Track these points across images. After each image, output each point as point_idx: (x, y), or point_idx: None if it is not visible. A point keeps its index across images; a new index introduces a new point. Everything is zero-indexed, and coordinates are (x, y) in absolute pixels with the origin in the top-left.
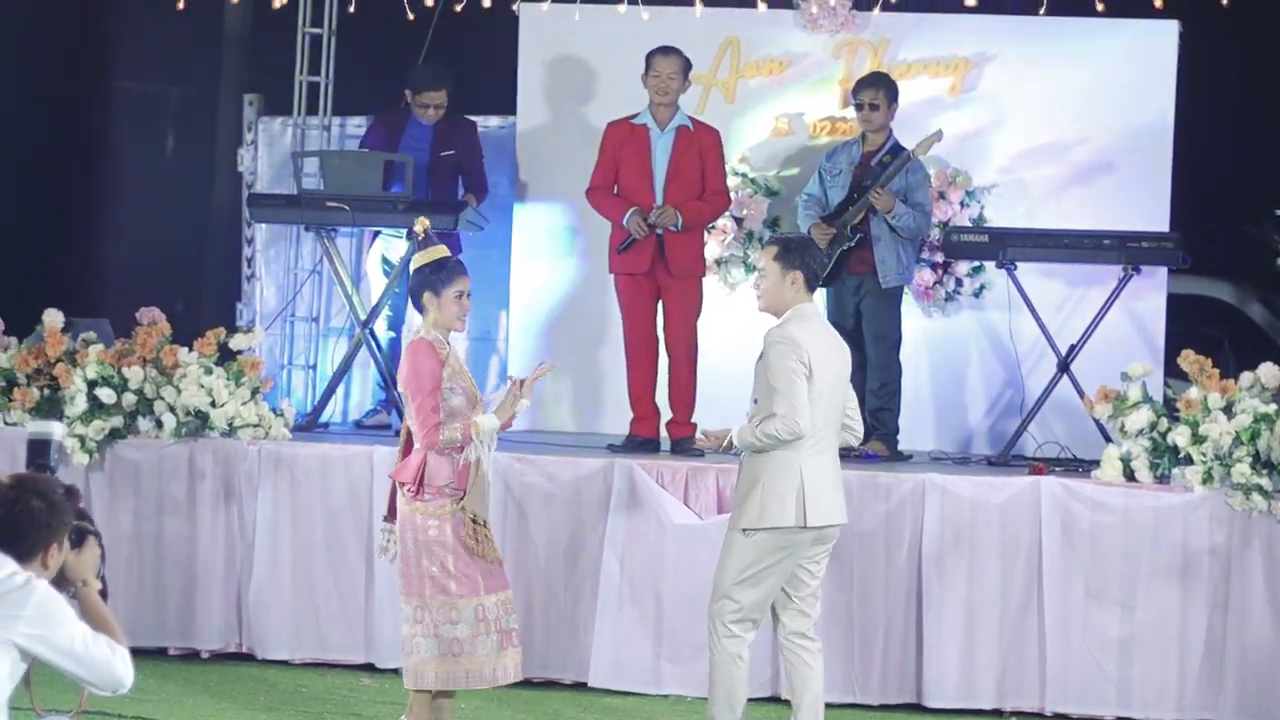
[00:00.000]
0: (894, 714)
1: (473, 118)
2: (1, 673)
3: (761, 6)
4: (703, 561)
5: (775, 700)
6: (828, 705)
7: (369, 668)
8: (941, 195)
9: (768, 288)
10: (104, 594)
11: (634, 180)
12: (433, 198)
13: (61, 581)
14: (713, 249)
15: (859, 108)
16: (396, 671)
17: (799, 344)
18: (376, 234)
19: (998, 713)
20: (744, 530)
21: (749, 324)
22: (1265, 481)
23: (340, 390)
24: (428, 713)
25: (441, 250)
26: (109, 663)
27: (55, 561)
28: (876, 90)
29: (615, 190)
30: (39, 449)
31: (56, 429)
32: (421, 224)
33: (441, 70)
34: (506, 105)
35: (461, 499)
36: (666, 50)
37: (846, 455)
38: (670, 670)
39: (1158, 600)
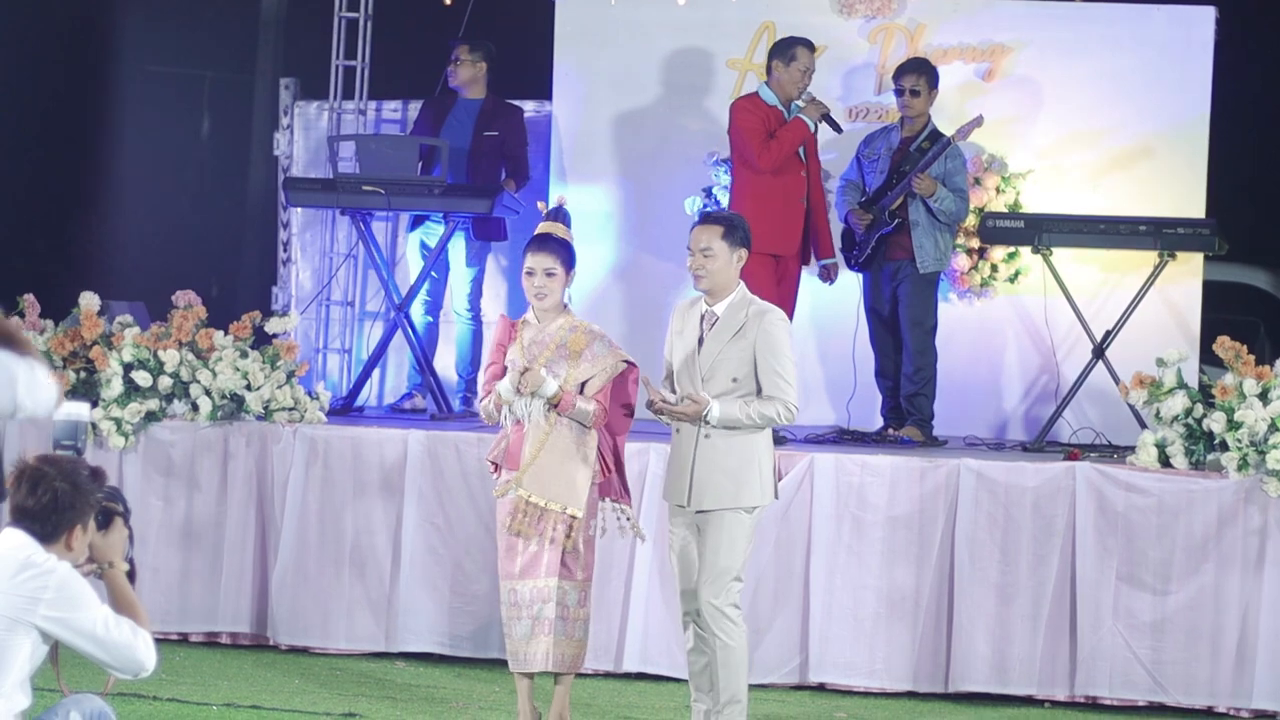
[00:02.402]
0: (924, 702)
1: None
2: (22, 654)
3: None
4: None
5: (804, 688)
6: (854, 692)
7: (385, 655)
8: (977, 181)
9: (717, 267)
10: (132, 576)
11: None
12: (472, 181)
13: (89, 562)
14: None
15: (899, 93)
16: (423, 656)
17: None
18: (419, 220)
19: (1029, 699)
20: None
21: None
22: None
23: (375, 375)
24: (520, 692)
25: (543, 226)
26: (130, 646)
27: (80, 544)
28: (918, 76)
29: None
30: (66, 431)
31: (84, 411)
32: (558, 199)
33: (479, 39)
34: (542, 90)
35: (513, 478)
36: (811, 45)
37: (881, 440)
38: None
39: (1192, 585)
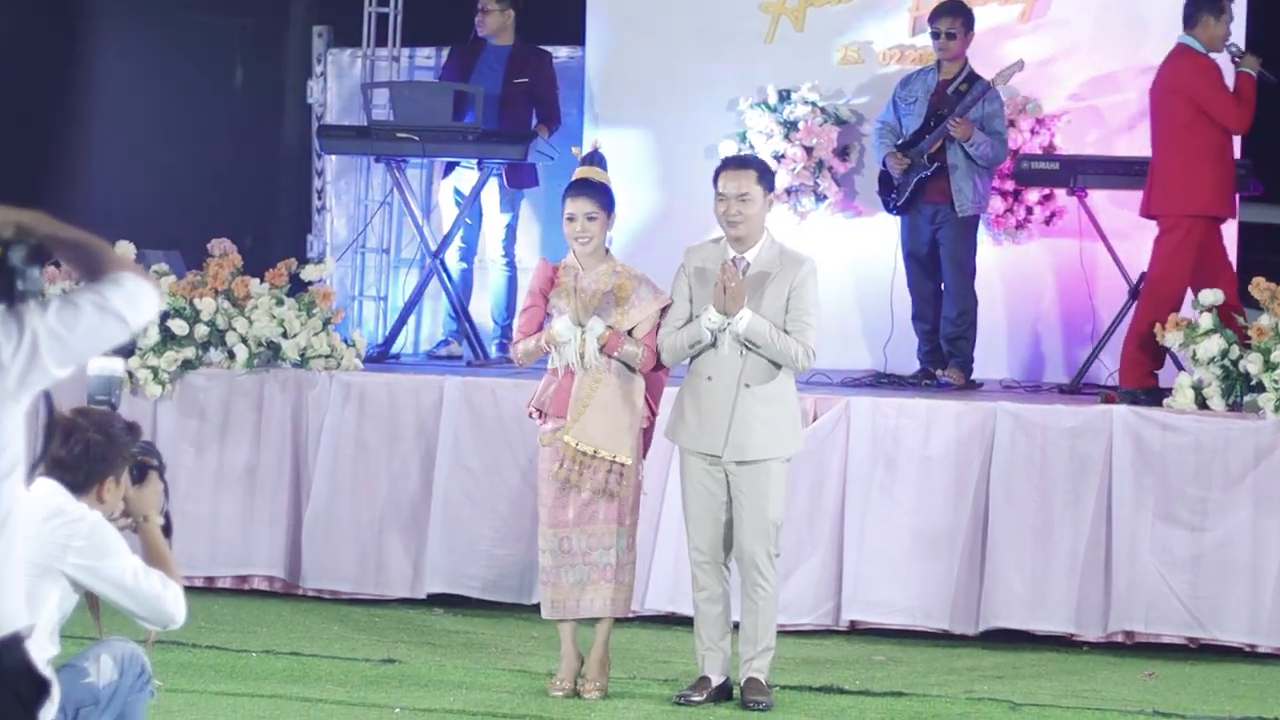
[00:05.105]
0: (961, 646)
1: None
2: (50, 602)
3: None
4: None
5: (838, 632)
6: (888, 634)
7: (419, 603)
8: (1011, 123)
9: (753, 213)
10: (167, 530)
11: None
12: (505, 128)
13: (124, 516)
14: (782, 178)
15: (935, 36)
16: (459, 603)
17: None
18: (451, 166)
19: (1066, 639)
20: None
21: (818, 254)
22: None
23: (411, 322)
24: (563, 637)
25: (581, 171)
26: (159, 597)
27: (112, 496)
28: (954, 19)
29: None
30: (101, 386)
31: (118, 366)
32: (594, 143)
33: None
34: (574, 36)
35: (561, 426)
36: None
37: (917, 384)
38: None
39: (1229, 521)
